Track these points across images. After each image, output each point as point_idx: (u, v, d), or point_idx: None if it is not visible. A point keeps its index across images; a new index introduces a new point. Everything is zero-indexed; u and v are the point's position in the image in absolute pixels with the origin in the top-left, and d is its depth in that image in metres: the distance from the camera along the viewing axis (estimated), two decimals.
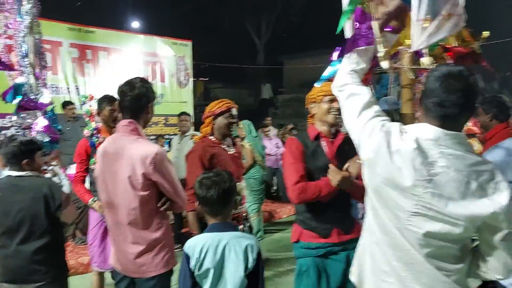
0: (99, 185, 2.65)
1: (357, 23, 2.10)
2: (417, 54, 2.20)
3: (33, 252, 2.70)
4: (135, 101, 2.53)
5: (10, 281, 2.71)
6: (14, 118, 3.60)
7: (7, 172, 2.79)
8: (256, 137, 6.59)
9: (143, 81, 2.59)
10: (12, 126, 6.80)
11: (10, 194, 2.72)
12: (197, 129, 6.79)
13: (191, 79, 10.15)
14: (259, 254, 2.16)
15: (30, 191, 2.74)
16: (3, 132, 7.12)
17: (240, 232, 2.27)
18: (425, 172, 1.54)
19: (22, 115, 3.63)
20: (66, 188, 3.03)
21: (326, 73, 2.55)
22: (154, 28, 14.56)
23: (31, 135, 3.51)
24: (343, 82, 1.93)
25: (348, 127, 1.84)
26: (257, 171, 6.29)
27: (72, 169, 4.21)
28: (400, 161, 1.57)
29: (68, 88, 8.04)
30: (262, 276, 2.20)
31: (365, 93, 1.84)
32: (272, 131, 9.45)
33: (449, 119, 1.56)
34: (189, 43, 10.09)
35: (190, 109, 9.95)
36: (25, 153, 2.78)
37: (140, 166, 2.41)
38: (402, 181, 1.56)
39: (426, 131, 1.60)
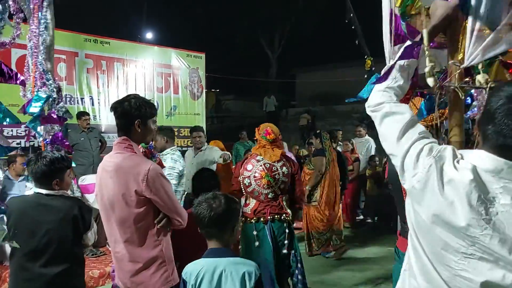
0: (98, 202, 2.60)
1: (400, 35, 1.90)
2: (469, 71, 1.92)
3: (56, 275, 2.57)
4: (122, 118, 2.49)
5: None
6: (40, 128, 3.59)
7: (36, 189, 2.67)
8: None
9: (135, 98, 2.52)
10: (26, 135, 6.89)
11: (39, 214, 2.60)
12: (208, 141, 6.79)
13: (204, 91, 10.20)
14: (258, 281, 2.05)
15: (60, 212, 2.62)
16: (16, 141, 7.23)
17: (239, 258, 2.16)
18: (483, 210, 1.28)
19: (47, 127, 3.61)
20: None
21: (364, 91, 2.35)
22: (168, 40, 14.70)
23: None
24: (378, 101, 1.66)
25: (388, 151, 1.58)
26: None
27: (86, 180, 4.21)
28: (452, 195, 1.31)
29: (82, 98, 8.12)
30: None
31: (405, 111, 1.58)
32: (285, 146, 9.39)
33: (510, 150, 1.30)
34: (203, 55, 10.16)
35: (202, 121, 9.99)
36: (55, 172, 2.67)
37: (133, 183, 2.36)
38: (454, 218, 1.31)
39: (484, 161, 1.33)
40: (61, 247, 2.60)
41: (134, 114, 2.47)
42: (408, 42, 1.76)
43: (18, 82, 3.23)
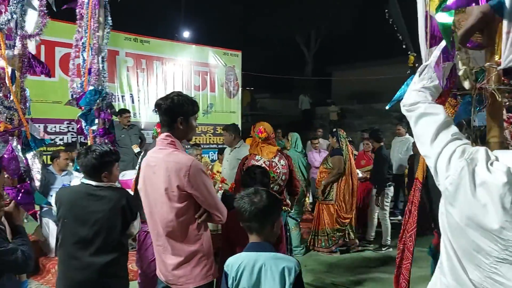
0: (142, 197, 2.67)
1: (436, 36, 1.90)
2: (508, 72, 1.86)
3: (105, 264, 2.64)
4: (165, 115, 2.56)
5: None
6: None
7: (85, 180, 2.75)
8: (300, 151, 6.52)
9: (178, 95, 2.59)
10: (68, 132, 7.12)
11: (89, 204, 2.67)
12: (244, 139, 6.83)
13: (240, 89, 10.25)
14: (298, 277, 2.05)
15: (110, 202, 2.70)
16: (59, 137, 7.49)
17: (279, 253, 2.18)
18: None
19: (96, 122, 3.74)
20: None
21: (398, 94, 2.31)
22: (205, 38, 14.85)
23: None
24: (413, 101, 1.68)
25: (423, 153, 1.58)
26: None
27: (126, 176, 4.31)
28: (485, 197, 1.29)
29: (123, 96, 8.33)
30: None
31: (440, 112, 1.58)
32: (323, 143, 9.32)
33: None
34: (239, 53, 10.23)
35: (238, 119, 10.04)
36: (104, 165, 2.75)
37: (175, 178, 2.42)
38: (486, 221, 1.29)
39: None
40: (110, 237, 2.69)
41: (176, 111, 2.54)
42: (444, 43, 1.74)
43: (45, 73, 3.35)
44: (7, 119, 2.98)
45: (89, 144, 3.71)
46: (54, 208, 2.79)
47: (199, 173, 2.46)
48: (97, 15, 3.61)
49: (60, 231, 2.72)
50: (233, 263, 2.11)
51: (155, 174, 2.51)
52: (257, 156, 4.35)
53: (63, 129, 7.56)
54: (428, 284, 1.68)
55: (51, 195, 4.90)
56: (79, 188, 2.78)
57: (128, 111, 7.52)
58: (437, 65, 1.73)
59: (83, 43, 3.67)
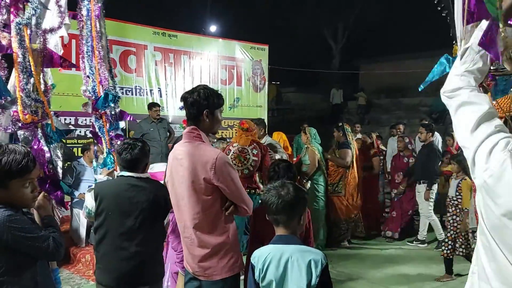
0: (169, 189, 2.71)
1: (473, 13, 1.76)
2: None
3: (151, 253, 2.75)
4: (191, 108, 2.58)
5: (118, 285, 2.73)
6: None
7: (125, 173, 2.82)
8: (320, 143, 6.53)
9: (204, 89, 2.61)
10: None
11: (133, 195, 2.74)
12: (270, 133, 6.84)
13: (267, 83, 10.25)
14: (325, 270, 2.05)
15: (151, 192, 2.77)
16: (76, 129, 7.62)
17: (305, 246, 2.18)
18: None
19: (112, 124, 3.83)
20: None
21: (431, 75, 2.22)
22: (232, 32, 14.88)
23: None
24: (454, 87, 1.55)
25: (461, 143, 1.50)
26: (321, 177, 6.19)
27: (155, 168, 4.39)
28: None
29: (151, 90, 8.44)
30: None
31: (483, 101, 1.47)
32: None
33: None
34: (266, 47, 10.22)
35: (264, 113, 10.05)
36: (145, 157, 2.86)
37: (202, 171, 2.45)
38: None
39: None
40: (153, 226, 2.77)
41: (202, 104, 2.56)
42: (484, 22, 1.62)
43: (67, 66, 3.44)
44: (32, 112, 3.05)
45: (104, 147, 3.82)
46: (90, 200, 2.84)
47: (225, 165, 2.48)
48: (98, 26, 3.68)
49: (102, 224, 2.78)
50: (259, 255, 2.12)
51: (182, 166, 2.54)
52: (234, 143, 5.34)
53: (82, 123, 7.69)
54: None
55: (89, 186, 5.03)
56: (121, 181, 2.83)
57: (158, 105, 7.61)
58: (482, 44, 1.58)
59: (87, 51, 3.71)
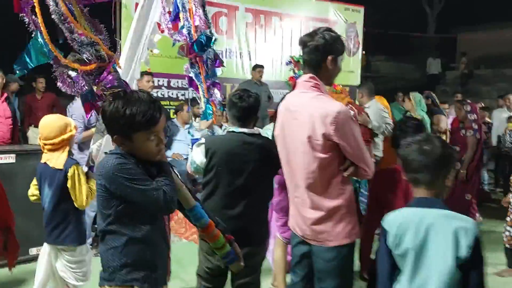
0: (278, 144, 2.49)
1: None
2: None
3: (258, 214, 2.64)
4: (312, 53, 2.31)
5: None
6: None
7: (236, 129, 2.68)
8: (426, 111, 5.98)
9: (328, 31, 2.33)
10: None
11: (246, 152, 2.62)
12: None
13: (361, 47, 9.65)
14: (477, 241, 1.71)
15: (264, 149, 2.64)
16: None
17: (452, 212, 1.83)
18: None
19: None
20: None
21: None
22: None
23: None
24: None
25: None
26: None
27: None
28: None
29: (241, 52, 8.26)
30: (482, 271, 1.75)
31: None
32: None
33: None
34: (362, 9, 9.62)
35: (356, 79, 9.52)
36: (256, 110, 2.72)
37: (320, 125, 2.18)
38: None
39: None
40: (262, 186, 2.63)
41: (326, 49, 2.28)
42: None
43: None
44: (98, 58, 2.67)
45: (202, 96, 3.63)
46: (199, 155, 2.70)
47: (348, 121, 2.20)
48: None
49: (211, 181, 2.67)
50: (394, 219, 1.84)
51: (296, 120, 2.29)
52: None
53: (185, 85, 7.72)
54: None
55: (196, 141, 5.06)
56: (233, 136, 2.68)
57: (262, 66, 7.43)
58: None
59: None
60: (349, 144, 2.21)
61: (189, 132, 5.82)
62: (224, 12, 7.99)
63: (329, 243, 2.30)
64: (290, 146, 2.36)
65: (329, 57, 2.29)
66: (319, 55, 2.29)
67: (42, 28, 2.53)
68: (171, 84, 7.51)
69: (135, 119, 1.72)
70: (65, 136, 2.79)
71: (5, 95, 5.62)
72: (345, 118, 2.19)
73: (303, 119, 2.26)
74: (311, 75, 2.32)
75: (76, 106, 4.44)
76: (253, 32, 8.35)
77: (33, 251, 4.14)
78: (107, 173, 1.75)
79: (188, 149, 5.46)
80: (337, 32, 2.38)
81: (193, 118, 6.10)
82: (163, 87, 7.33)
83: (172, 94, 7.55)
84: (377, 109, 5.16)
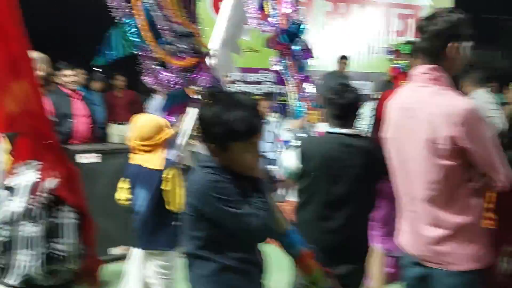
0: (391, 148, 2.16)
1: None
2: None
3: (360, 228, 2.39)
4: (431, 39, 1.96)
5: (317, 260, 2.40)
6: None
7: (332, 129, 2.42)
8: None
9: (451, 12, 1.98)
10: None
11: (345, 157, 2.35)
12: None
13: None
14: None
15: (367, 153, 2.35)
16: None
17: None
18: None
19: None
20: None
21: None
22: None
23: None
24: None
25: None
26: None
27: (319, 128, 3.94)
28: None
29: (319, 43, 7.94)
30: None
31: None
32: None
33: None
34: None
35: None
36: (358, 105, 2.45)
37: (445, 126, 1.85)
38: None
39: None
40: (366, 195, 2.35)
41: (450, 34, 1.92)
42: None
43: None
44: (195, 52, 2.49)
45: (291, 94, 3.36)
46: (293, 159, 2.46)
47: (479, 122, 1.87)
48: None
49: (306, 188, 2.44)
50: None
51: (414, 119, 1.96)
52: None
53: (260, 79, 7.55)
54: None
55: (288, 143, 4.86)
56: (330, 139, 2.42)
57: (346, 58, 7.13)
58: None
59: None
60: (479, 149, 1.88)
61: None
62: (303, 2, 7.70)
63: (453, 267, 1.97)
64: (406, 150, 2.04)
65: (452, 44, 1.93)
66: (439, 42, 1.95)
67: (137, 14, 2.32)
68: (246, 78, 7.37)
69: (234, 126, 1.52)
70: (163, 136, 2.67)
71: (82, 93, 5.53)
72: (476, 118, 1.86)
73: (423, 118, 1.94)
74: (432, 66, 1.98)
75: (155, 104, 4.35)
76: (332, 21, 8.04)
77: (112, 251, 4.12)
78: (198, 190, 1.58)
79: (264, 147, 5.22)
80: (463, 13, 2.00)
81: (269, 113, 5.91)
82: (236, 82, 7.19)
83: (247, 89, 7.40)
84: (481, 102, 4.57)
